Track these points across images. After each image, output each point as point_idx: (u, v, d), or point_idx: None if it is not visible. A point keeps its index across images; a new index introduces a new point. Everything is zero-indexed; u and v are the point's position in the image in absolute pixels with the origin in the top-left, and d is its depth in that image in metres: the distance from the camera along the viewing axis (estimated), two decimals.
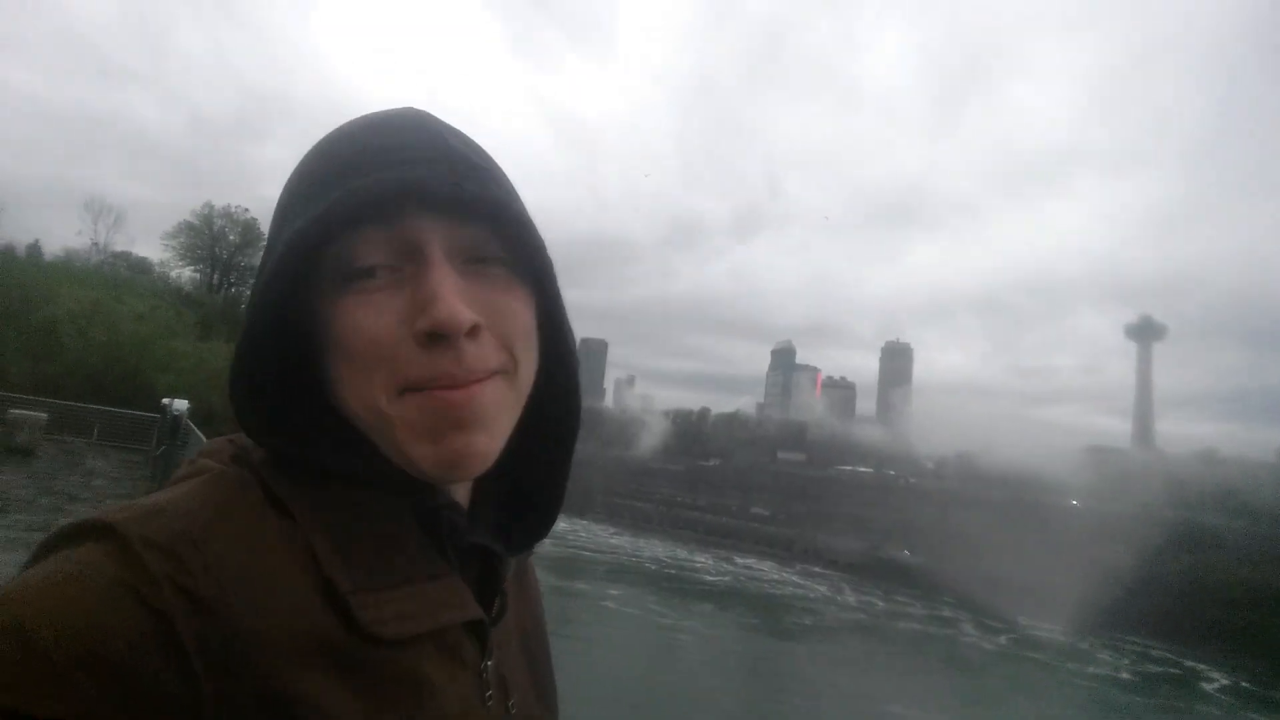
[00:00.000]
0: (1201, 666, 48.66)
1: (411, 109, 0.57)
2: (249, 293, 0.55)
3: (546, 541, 0.64)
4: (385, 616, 0.49)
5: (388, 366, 0.51)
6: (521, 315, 0.56)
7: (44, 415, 16.19)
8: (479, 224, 0.53)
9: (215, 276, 42.64)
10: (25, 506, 10.03)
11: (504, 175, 0.58)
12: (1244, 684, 45.62)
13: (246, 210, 43.61)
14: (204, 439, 13.37)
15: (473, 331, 0.51)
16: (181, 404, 19.30)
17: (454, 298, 0.50)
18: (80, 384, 22.15)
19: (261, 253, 0.58)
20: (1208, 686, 44.69)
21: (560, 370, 0.61)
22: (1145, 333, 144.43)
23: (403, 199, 0.51)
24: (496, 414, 0.54)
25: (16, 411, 15.70)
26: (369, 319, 0.51)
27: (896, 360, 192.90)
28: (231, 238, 42.67)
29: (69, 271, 34.39)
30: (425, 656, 0.51)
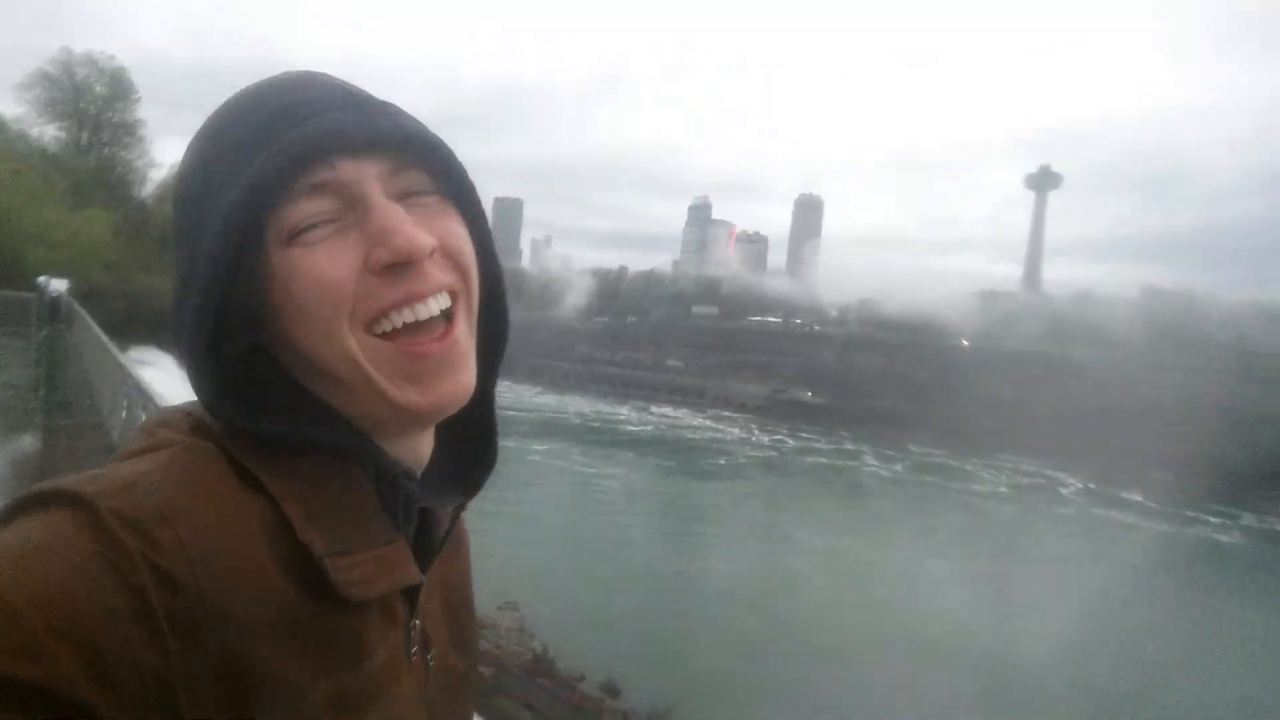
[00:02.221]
0: (1061, 475, 56.00)
1: (303, 70, 0.59)
2: (183, 271, 0.55)
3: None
4: (354, 579, 0.51)
5: (350, 305, 0.52)
6: (464, 235, 0.57)
7: None
8: (401, 159, 0.54)
9: (84, 135, 37.62)
10: None
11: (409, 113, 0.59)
12: (1092, 485, 53.12)
13: (113, 58, 37.92)
14: (89, 320, 12.53)
15: (432, 253, 0.53)
16: (60, 283, 17.90)
17: (409, 226, 0.52)
18: None
19: (177, 190, 0.56)
20: (1064, 491, 51.92)
21: (489, 296, 0.62)
22: (1043, 182, 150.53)
23: (327, 147, 0.51)
24: (469, 346, 0.57)
25: None
26: (324, 264, 0.51)
27: (808, 213, 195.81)
28: (98, 89, 36.92)
29: None
30: (368, 619, 0.53)
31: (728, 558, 30.27)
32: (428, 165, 0.56)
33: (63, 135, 36.76)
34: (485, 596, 19.49)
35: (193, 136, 0.57)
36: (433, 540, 0.63)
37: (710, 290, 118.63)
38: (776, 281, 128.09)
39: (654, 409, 78.16)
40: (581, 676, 18.20)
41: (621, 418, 70.65)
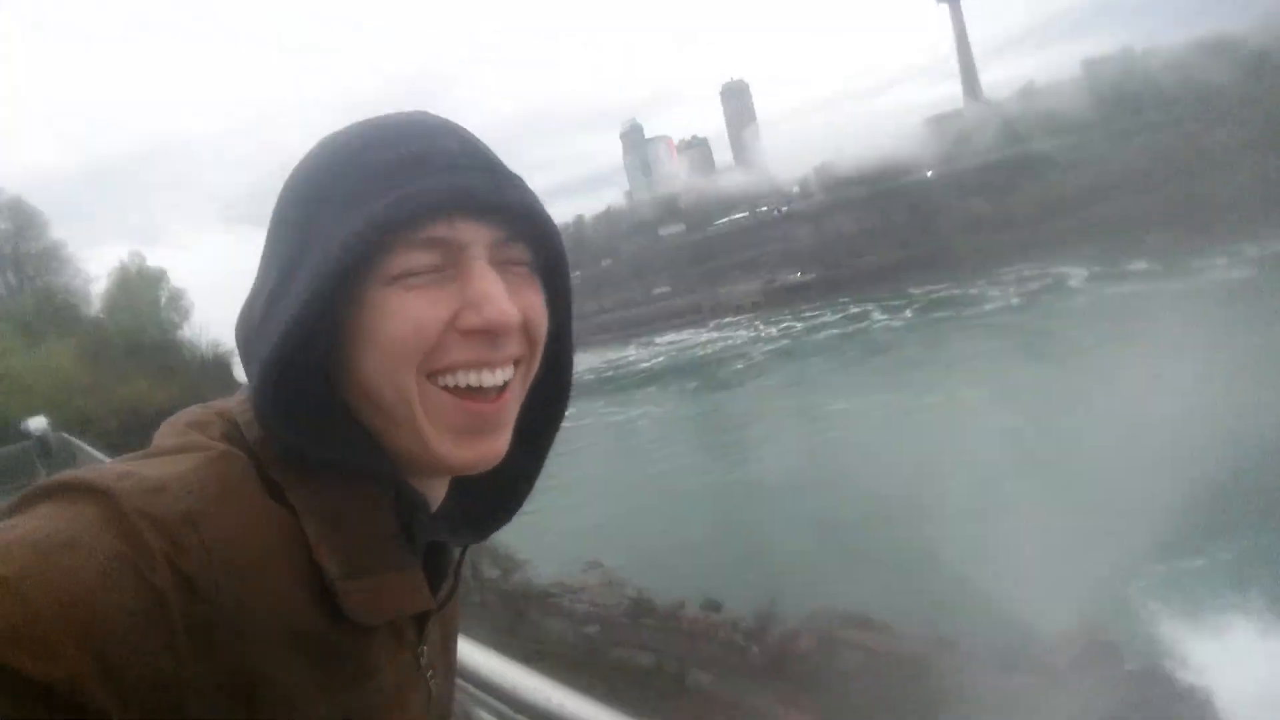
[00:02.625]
0: (1064, 270, 56.02)
1: (429, 113, 0.61)
2: (273, 280, 0.56)
3: None
4: (363, 603, 0.52)
5: (426, 350, 0.54)
6: (544, 309, 0.61)
7: None
8: (512, 229, 0.57)
9: (7, 275, 36.87)
10: None
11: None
12: (1096, 269, 53.22)
13: (1, 190, 36.91)
14: (87, 447, 12.34)
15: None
16: (38, 421, 17.64)
17: (506, 300, 0.55)
18: None
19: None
20: (1073, 283, 51.96)
21: (555, 371, 0.66)
22: None
23: (453, 205, 0.54)
24: (514, 411, 0.60)
25: None
26: (417, 311, 0.54)
27: (738, 100, 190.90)
28: (1, 225, 36.42)
29: None
30: (377, 641, 0.55)
31: (775, 453, 30.56)
32: (531, 239, 0.59)
33: None
34: (567, 565, 19.84)
35: (315, 146, 0.59)
36: (442, 571, 0.66)
37: (670, 208, 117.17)
38: (730, 178, 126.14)
39: (658, 339, 78.18)
40: (681, 604, 18.61)
41: (631, 358, 70.57)
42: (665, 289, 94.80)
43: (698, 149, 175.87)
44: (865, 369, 42.64)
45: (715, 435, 36.96)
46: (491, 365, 0.56)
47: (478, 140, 0.60)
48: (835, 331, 56.70)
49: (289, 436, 0.54)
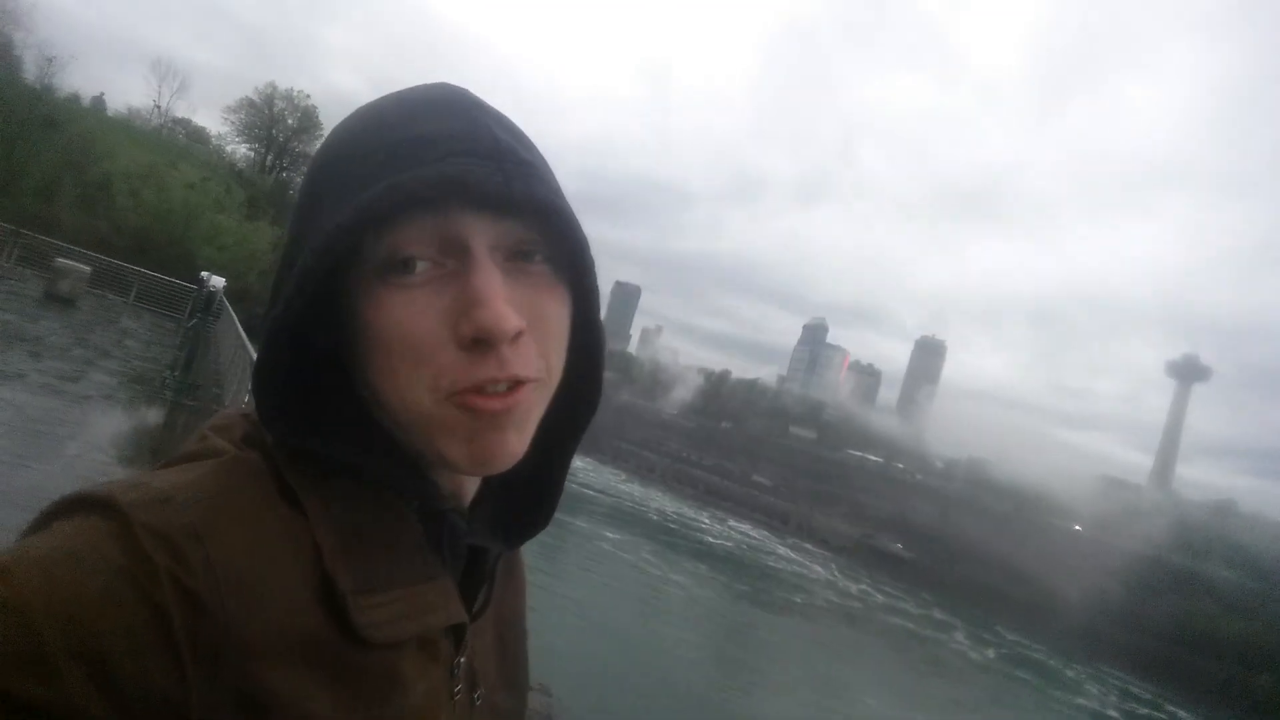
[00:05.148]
0: (1183, 714, 48.47)
1: (449, 86, 0.55)
2: (276, 277, 0.53)
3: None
4: (379, 619, 0.48)
5: (430, 370, 0.49)
6: (561, 318, 0.54)
7: (88, 269, 16.10)
8: (524, 220, 0.51)
9: (269, 158, 42.54)
10: (60, 355, 9.96)
11: (548, 167, 0.56)
12: None
13: (308, 96, 43.33)
14: (234, 317, 13.20)
15: (515, 336, 0.50)
16: (218, 281, 19.23)
17: (500, 303, 0.49)
18: (125, 243, 22.08)
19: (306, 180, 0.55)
20: None
21: (584, 367, 0.59)
22: (1187, 372, 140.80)
23: (447, 195, 0.48)
24: (529, 415, 0.53)
25: (63, 261, 15.60)
26: (410, 318, 0.49)
27: (929, 356, 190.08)
28: (290, 121, 42.46)
29: (129, 131, 34.36)
30: (404, 655, 0.51)
31: (783, 705, 27.55)
32: (548, 230, 0.52)
33: (251, 155, 41.94)
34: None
35: (334, 127, 0.55)
36: (483, 577, 0.61)
37: (813, 413, 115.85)
38: (884, 419, 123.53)
39: (733, 523, 75.11)
40: None
41: (702, 526, 67.85)
42: (764, 481, 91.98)
43: (868, 377, 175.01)
44: (919, 681, 38.22)
45: (736, 650, 34.03)
46: (496, 385, 0.49)
47: (495, 120, 0.53)
48: (910, 626, 51.71)
49: (293, 438, 0.51)
